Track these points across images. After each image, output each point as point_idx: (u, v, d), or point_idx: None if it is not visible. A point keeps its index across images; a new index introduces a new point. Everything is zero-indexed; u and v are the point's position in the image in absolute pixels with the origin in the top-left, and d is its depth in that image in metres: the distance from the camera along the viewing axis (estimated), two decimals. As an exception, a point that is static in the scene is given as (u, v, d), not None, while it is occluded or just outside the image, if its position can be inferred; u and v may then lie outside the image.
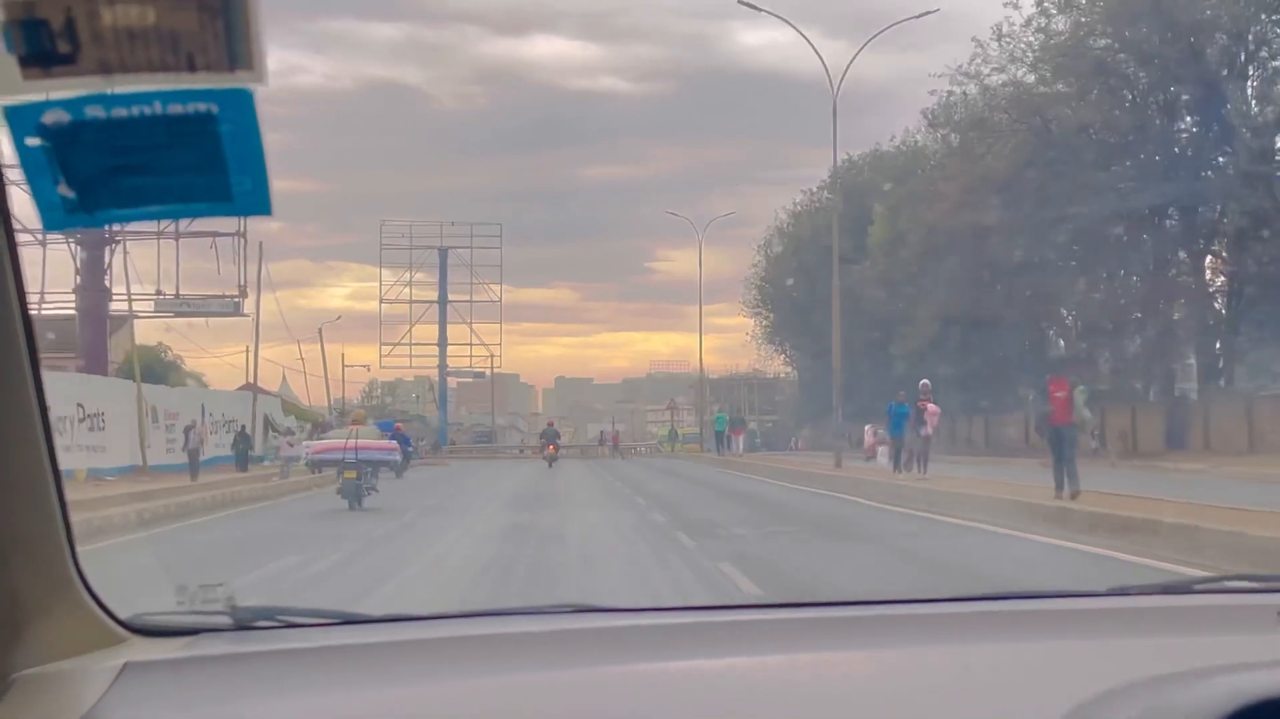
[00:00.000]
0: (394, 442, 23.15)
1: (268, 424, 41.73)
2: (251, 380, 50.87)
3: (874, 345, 59.89)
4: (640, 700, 1.35)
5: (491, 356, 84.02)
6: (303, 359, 60.21)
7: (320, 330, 70.78)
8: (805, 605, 1.79)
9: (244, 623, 1.54)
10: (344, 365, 70.22)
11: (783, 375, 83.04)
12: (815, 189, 70.56)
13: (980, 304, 47.92)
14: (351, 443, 20.09)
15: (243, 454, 35.83)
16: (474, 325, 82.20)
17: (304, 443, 26.41)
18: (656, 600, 8.03)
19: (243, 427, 39.26)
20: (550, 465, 43.53)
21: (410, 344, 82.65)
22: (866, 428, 47.60)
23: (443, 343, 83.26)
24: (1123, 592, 1.88)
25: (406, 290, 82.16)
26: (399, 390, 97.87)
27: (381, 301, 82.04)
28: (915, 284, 50.84)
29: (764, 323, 77.27)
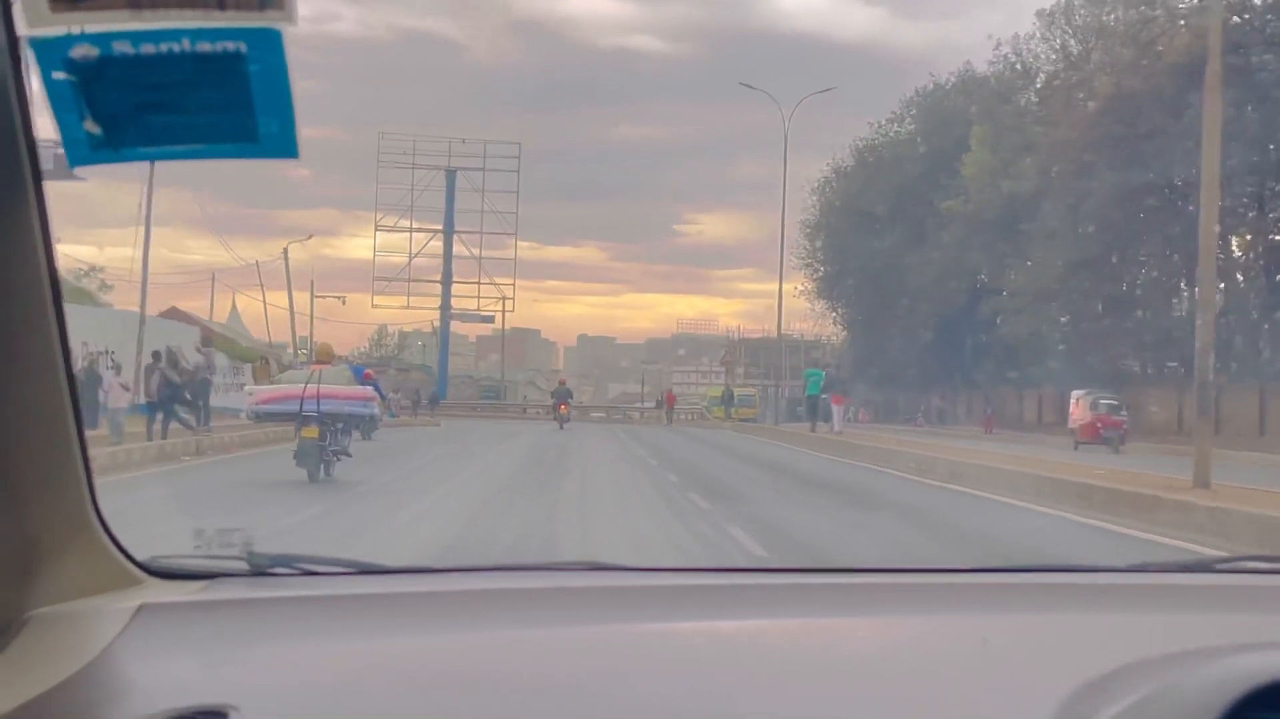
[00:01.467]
0: (370, 389, 18.06)
1: (171, 361, 24.66)
2: (174, 306, 39.29)
3: (967, 296, 52.53)
4: (653, 658, 1.37)
5: (504, 299, 73.69)
6: (261, 281, 54.31)
7: (285, 251, 56.34)
8: (822, 571, 1.79)
9: (261, 569, 1.57)
10: (313, 296, 60.24)
11: (824, 338, 75.15)
12: (884, 121, 63.46)
13: (1128, 241, 39.73)
14: (312, 389, 14.97)
15: (89, 405, 21.47)
16: (487, 270, 72.42)
17: (245, 388, 20.37)
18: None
19: (88, 363, 25.40)
20: (561, 428, 37.76)
21: (409, 280, 72.42)
22: (1075, 395, 35.95)
23: (447, 279, 72.11)
24: (1142, 568, 1.87)
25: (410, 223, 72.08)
26: (410, 340, 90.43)
27: (377, 230, 72.59)
28: (1031, 220, 42.98)
29: (815, 275, 68.00)
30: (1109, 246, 40.41)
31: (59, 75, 1.29)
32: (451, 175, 71.37)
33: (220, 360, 35.03)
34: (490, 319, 76.51)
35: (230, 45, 1.28)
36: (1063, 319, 45.48)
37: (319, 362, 16.70)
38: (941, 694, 1.37)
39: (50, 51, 1.28)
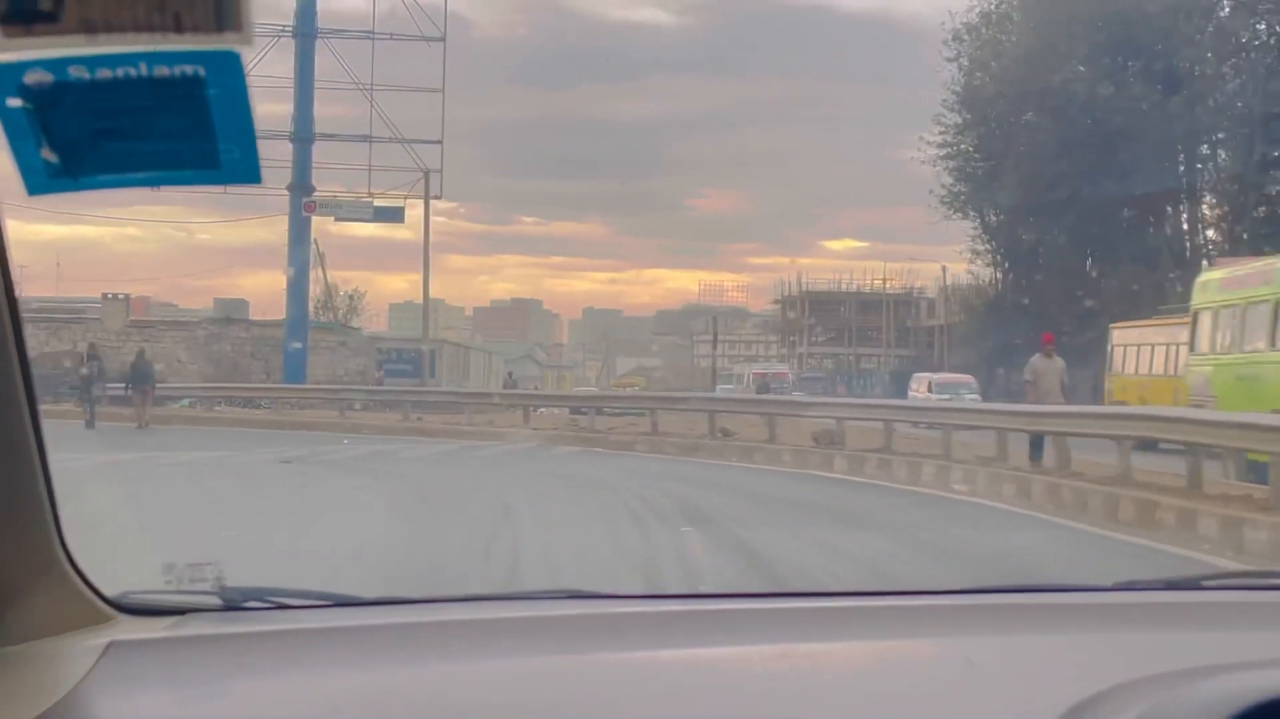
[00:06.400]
0: None
1: None
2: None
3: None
4: (635, 687, 1.37)
5: (426, 174, 42.13)
6: None
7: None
8: (803, 595, 1.79)
9: (233, 603, 1.58)
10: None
11: (917, 289, 54.83)
12: None
13: None
14: None
15: None
16: (394, 122, 39.46)
17: None
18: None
19: None
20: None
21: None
22: None
23: (303, 132, 40.43)
24: (1129, 586, 1.87)
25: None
26: (398, 311, 69.34)
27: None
28: None
29: (954, 171, 44.48)
30: None
31: (14, 102, 1.27)
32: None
33: None
34: (397, 215, 44.32)
35: (188, 69, 1.29)
36: None
37: None
38: (928, 718, 1.35)
39: (4, 78, 1.26)
